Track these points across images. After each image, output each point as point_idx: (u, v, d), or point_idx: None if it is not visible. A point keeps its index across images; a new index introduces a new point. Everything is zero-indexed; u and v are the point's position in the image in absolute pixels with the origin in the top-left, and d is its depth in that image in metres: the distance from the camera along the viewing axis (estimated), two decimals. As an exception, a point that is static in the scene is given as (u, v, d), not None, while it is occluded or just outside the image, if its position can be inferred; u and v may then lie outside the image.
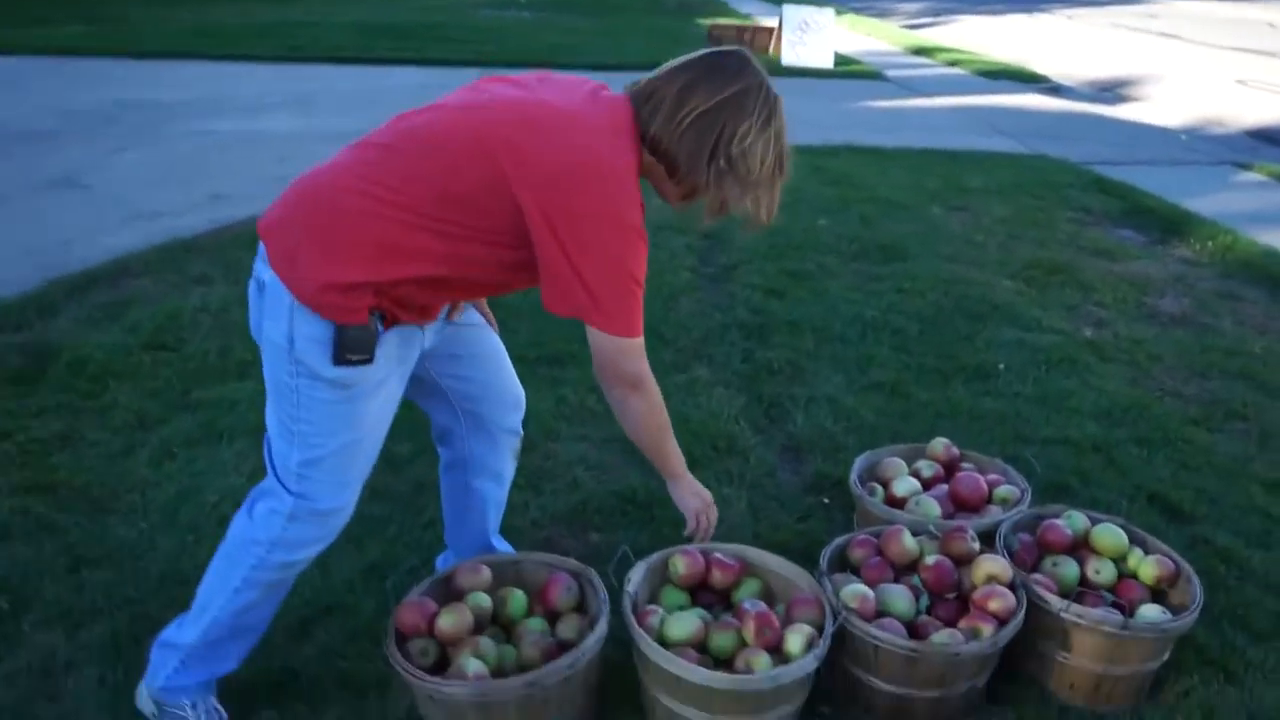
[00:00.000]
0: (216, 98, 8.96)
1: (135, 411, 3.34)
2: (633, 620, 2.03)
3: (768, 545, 2.67)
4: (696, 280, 4.73)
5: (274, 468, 1.88)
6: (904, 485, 2.56)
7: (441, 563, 2.51)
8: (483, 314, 2.23)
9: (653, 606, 2.11)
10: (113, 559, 2.62)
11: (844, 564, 2.31)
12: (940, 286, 4.75)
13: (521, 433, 2.33)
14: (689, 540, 2.23)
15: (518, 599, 2.15)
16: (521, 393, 2.30)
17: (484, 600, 2.12)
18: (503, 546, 2.48)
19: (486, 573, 2.19)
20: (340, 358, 1.74)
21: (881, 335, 4.16)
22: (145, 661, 2.09)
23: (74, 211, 5.56)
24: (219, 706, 2.07)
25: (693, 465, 3.07)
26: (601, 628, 1.98)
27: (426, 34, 13.19)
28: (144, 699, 2.10)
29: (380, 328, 1.78)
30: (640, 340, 1.83)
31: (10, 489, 2.89)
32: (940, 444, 2.73)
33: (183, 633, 2.01)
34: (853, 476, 2.60)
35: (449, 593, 2.17)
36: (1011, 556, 2.27)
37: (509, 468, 2.36)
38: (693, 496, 2.16)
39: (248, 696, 2.17)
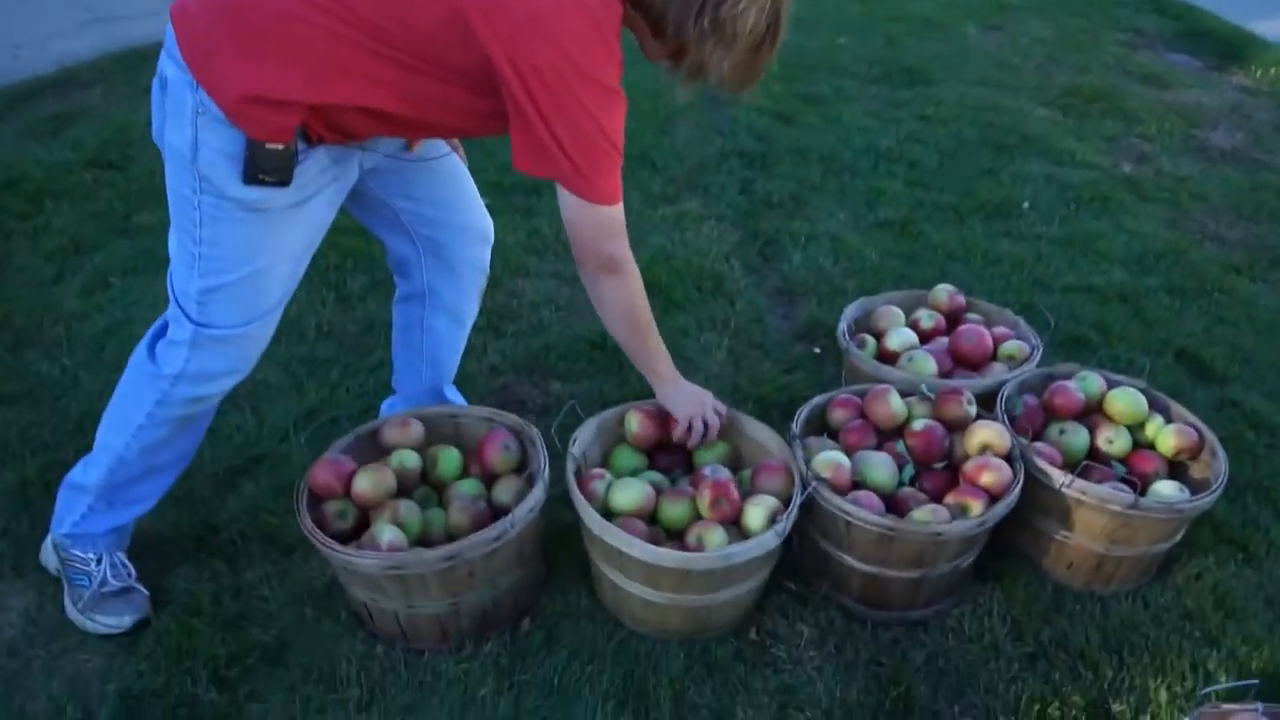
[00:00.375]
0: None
1: (70, 236, 3.08)
2: (574, 486, 1.80)
3: (746, 399, 2.44)
4: (697, 101, 4.31)
5: (174, 293, 1.65)
6: (898, 338, 2.28)
7: (387, 409, 2.28)
8: (448, 143, 1.92)
9: (599, 470, 1.88)
10: (31, 397, 2.41)
11: (823, 426, 2.06)
12: (966, 114, 4.32)
13: (488, 270, 2.05)
14: (680, 446, 1.98)
15: (450, 458, 1.92)
16: (489, 224, 2.02)
17: (410, 459, 1.89)
18: (455, 398, 2.24)
19: (417, 428, 1.95)
20: (251, 176, 1.49)
21: (896, 167, 3.79)
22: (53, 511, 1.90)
23: (26, 12, 5.13)
24: (127, 562, 1.89)
25: (673, 308, 2.82)
26: (536, 494, 1.75)
27: None
28: (48, 552, 1.93)
29: (303, 145, 1.52)
30: (620, 211, 1.62)
31: (-74, 318, 2.67)
32: (944, 291, 2.43)
33: (88, 473, 1.82)
34: (841, 326, 2.31)
35: (375, 449, 1.94)
36: (1013, 422, 2.00)
37: (471, 308, 2.09)
38: (687, 400, 1.90)
39: (162, 551, 1.99)
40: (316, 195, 1.61)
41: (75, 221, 3.15)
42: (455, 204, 1.93)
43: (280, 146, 1.48)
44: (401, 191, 1.85)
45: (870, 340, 2.31)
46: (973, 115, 4.30)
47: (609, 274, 1.66)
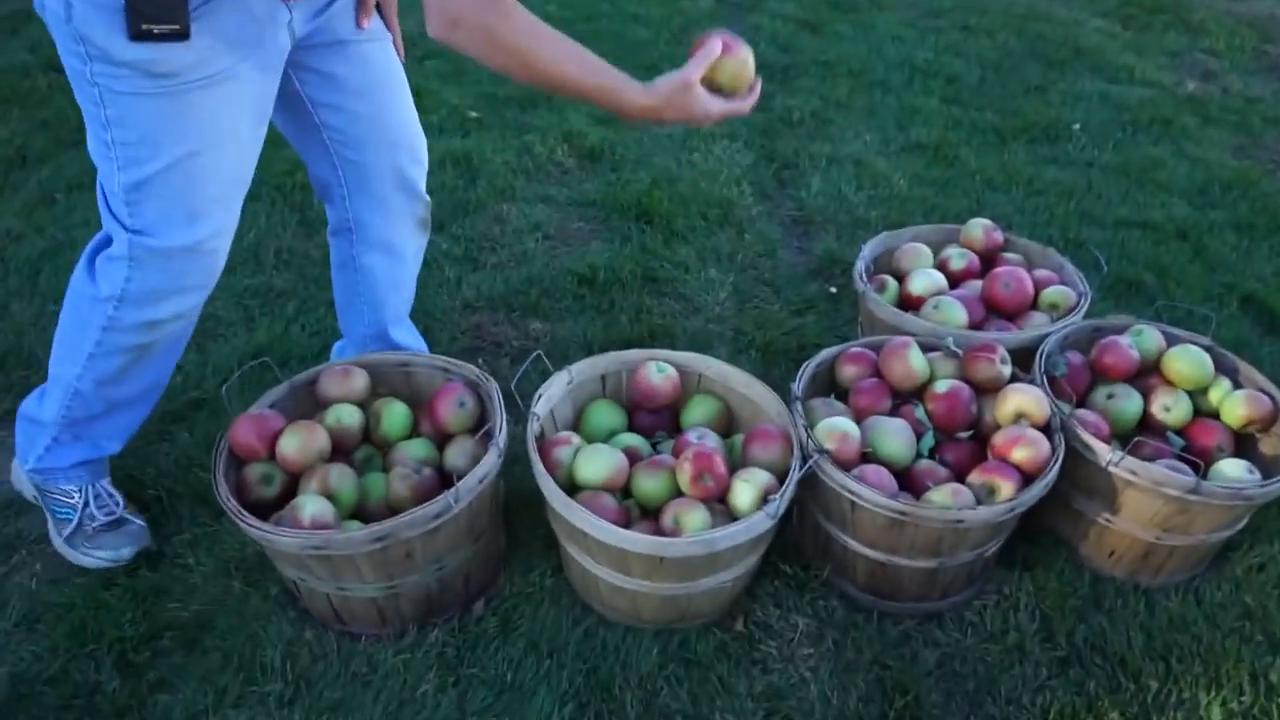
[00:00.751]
0: None
1: (17, 146, 2.81)
2: (535, 453, 1.54)
3: (750, 346, 2.17)
4: (717, 8, 3.94)
5: (104, 196, 1.42)
6: (923, 280, 1.98)
7: (337, 353, 2.02)
8: (389, 29, 1.62)
9: (566, 435, 1.62)
10: (-46, 328, 2.18)
11: (831, 384, 1.78)
12: (1013, 24, 3.92)
13: (427, 198, 1.76)
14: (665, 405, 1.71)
15: (396, 415, 1.67)
16: (422, 142, 1.72)
17: (350, 415, 1.64)
18: (407, 340, 1.96)
19: (360, 379, 1.69)
20: (136, 28, 1.23)
21: (932, 83, 3.42)
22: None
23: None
24: (113, 491, 1.70)
25: (674, 239, 2.52)
26: (488, 463, 1.49)
27: None
28: (23, 481, 1.74)
29: None
30: None
31: None
32: (979, 226, 2.11)
33: (44, 407, 1.62)
34: (858, 265, 2.01)
35: (313, 402, 1.69)
36: (1053, 384, 1.72)
37: (411, 241, 1.80)
38: (662, 116, 1.34)
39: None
40: (240, 65, 1.33)
41: (24, 131, 2.89)
42: (387, 120, 1.63)
43: None
44: (326, 100, 1.57)
45: (891, 283, 2.01)
46: (1020, 25, 3.90)
47: (454, 30, 1.21)
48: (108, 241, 1.46)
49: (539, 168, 2.80)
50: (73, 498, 1.67)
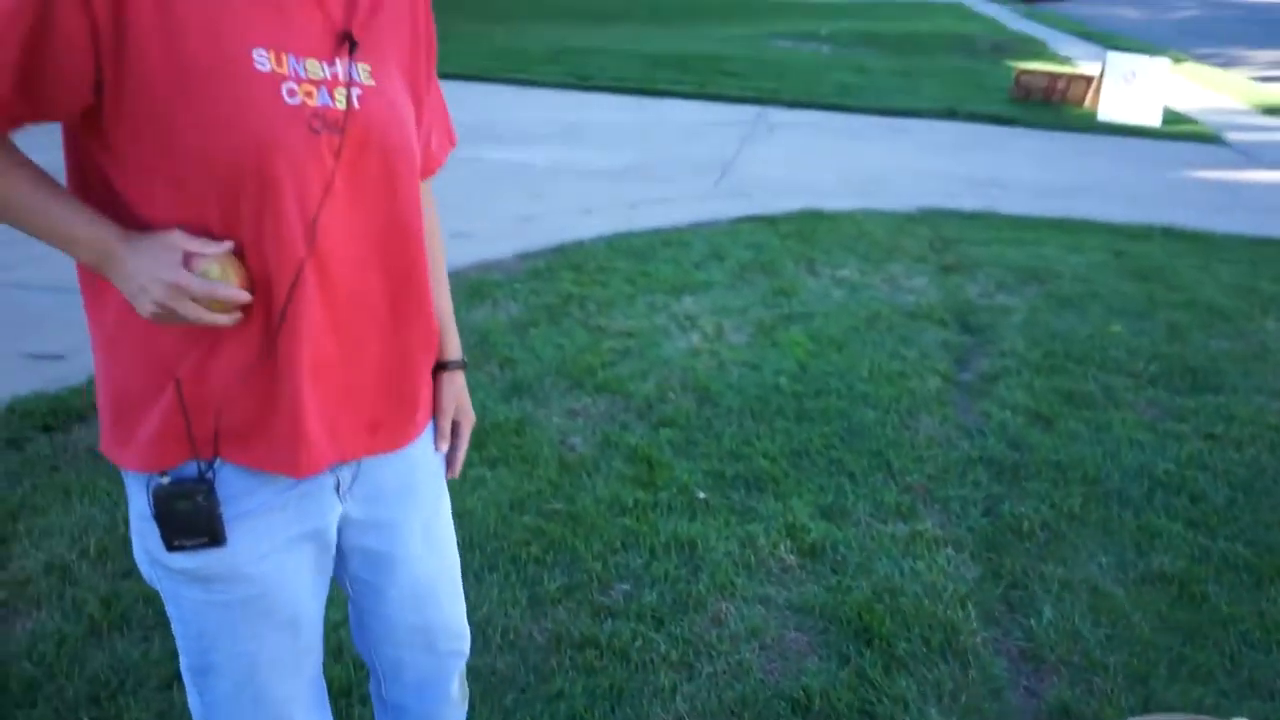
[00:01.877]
0: (489, 122, 9.09)
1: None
2: None
3: (970, 817, 2.02)
4: (947, 390, 4.00)
5: (184, 674, 1.47)
6: (1176, 794, 1.82)
7: None
8: (439, 426, 1.57)
9: None
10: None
11: None
12: (1267, 435, 3.75)
13: (459, 691, 1.75)
14: None
15: None
16: (464, 629, 1.71)
17: None
18: None
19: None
20: (169, 539, 1.25)
21: (1175, 500, 3.28)
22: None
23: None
24: None
25: (895, 666, 2.45)
26: None
27: (711, 67, 12.96)
28: None
29: (224, 479, 1.26)
30: None
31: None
32: (1240, 730, 1.94)
33: None
34: (1101, 761, 1.88)
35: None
36: None
37: (445, 690, 1.73)
38: (117, 253, 1.17)
39: None
40: (285, 564, 1.35)
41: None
42: (430, 623, 1.62)
43: (179, 482, 1.23)
44: (376, 610, 1.57)
45: (1137, 786, 1.86)
46: (1273, 438, 3.72)
47: None
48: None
49: (760, 562, 2.85)
50: None
